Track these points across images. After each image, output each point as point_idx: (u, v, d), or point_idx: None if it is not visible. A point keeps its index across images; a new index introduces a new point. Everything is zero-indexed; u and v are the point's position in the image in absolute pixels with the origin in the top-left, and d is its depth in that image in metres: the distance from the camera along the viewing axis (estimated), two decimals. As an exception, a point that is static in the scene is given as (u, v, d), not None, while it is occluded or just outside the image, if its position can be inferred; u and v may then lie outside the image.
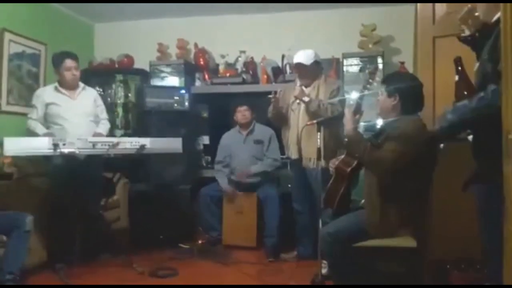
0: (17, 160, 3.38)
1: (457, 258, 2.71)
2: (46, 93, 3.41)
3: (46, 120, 3.36)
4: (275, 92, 3.38)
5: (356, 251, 2.15)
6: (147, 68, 4.77)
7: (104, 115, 3.66)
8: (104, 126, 3.58)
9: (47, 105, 3.35)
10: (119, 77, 4.70)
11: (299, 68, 3.38)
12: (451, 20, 2.85)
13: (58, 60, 3.42)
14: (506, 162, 1.48)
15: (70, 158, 3.05)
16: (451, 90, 2.74)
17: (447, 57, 2.86)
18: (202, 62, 4.72)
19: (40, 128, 3.31)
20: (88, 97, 3.54)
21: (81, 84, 3.52)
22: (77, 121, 3.36)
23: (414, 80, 2.38)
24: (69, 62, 3.38)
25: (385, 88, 2.31)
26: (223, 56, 4.68)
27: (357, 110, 2.28)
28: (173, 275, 3.17)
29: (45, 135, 3.21)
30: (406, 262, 2.28)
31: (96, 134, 3.39)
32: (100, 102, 3.66)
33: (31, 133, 3.33)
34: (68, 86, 3.42)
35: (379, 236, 2.20)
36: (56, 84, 3.44)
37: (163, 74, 4.78)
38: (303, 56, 3.34)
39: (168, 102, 4.40)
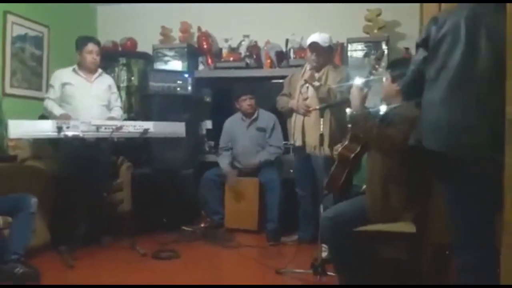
0: (21, 142, 3.43)
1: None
2: (64, 74, 3.50)
3: (61, 100, 3.44)
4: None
5: (355, 235, 2.17)
6: (150, 52, 4.77)
7: (118, 102, 3.74)
8: (118, 112, 3.65)
9: (63, 84, 3.44)
10: (122, 60, 4.70)
11: (313, 48, 3.33)
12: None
13: (81, 43, 3.53)
14: (509, 149, 1.49)
15: (75, 140, 3.09)
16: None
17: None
18: (205, 46, 4.71)
19: (56, 109, 3.37)
20: (104, 83, 3.63)
21: (99, 70, 3.62)
22: (90, 103, 3.44)
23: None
24: (91, 46, 3.51)
25: (390, 73, 2.31)
26: (226, 40, 4.66)
27: (365, 85, 2.26)
28: (176, 257, 3.22)
29: (61, 115, 3.27)
30: (405, 247, 2.31)
31: (110, 119, 3.45)
32: (115, 89, 3.74)
33: (47, 113, 3.41)
34: (87, 69, 3.52)
35: (380, 221, 2.21)
36: (75, 66, 3.53)
37: (166, 58, 4.77)
38: (320, 37, 3.29)
39: (171, 86, 4.41)
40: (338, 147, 2.49)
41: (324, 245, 2.69)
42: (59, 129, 2.98)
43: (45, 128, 3.00)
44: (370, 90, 2.29)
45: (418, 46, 1.90)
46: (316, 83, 3.22)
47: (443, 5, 2.85)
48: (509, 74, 1.50)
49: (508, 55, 1.51)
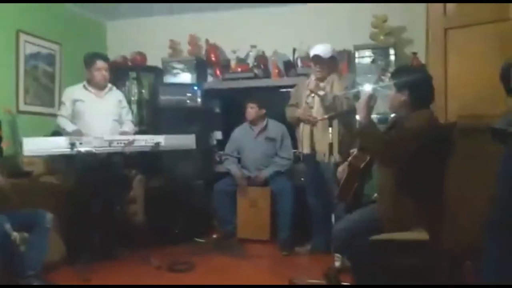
0: (35, 158, 3.48)
1: (471, 249, 2.72)
2: (74, 91, 3.56)
3: (73, 117, 3.50)
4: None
5: (368, 245, 2.16)
6: (159, 65, 4.82)
7: (129, 116, 3.78)
8: (130, 126, 3.70)
9: (74, 101, 3.50)
10: (132, 74, 4.77)
11: (316, 60, 3.39)
12: (464, 10, 2.84)
13: (89, 60, 3.57)
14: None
15: (88, 156, 3.13)
16: (464, 83, 2.75)
17: (460, 50, 2.86)
18: (213, 58, 4.76)
19: (69, 125, 3.43)
20: (114, 98, 3.68)
21: (109, 85, 3.66)
22: (101, 119, 3.49)
23: (422, 73, 2.37)
24: (100, 64, 3.55)
25: (394, 83, 2.31)
26: (234, 51, 4.70)
27: (371, 97, 2.25)
28: (190, 269, 3.23)
29: (73, 132, 3.33)
30: (419, 255, 2.30)
31: (122, 133, 3.50)
32: (125, 103, 3.79)
33: (61, 130, 3.47)
34: (96, 85, 3.57)
35: (393, 230, 2.20)
36: (85, 82, 3.58)
37: (175, 71, 4.82)
38: (321, 49, 3.35)
39: (181, 99, 4.47)
40: (347, 156, 2.50)
41: (337, 255, 2.69)
42: (72, 145, 3.03)
43: (58, 145, 3.06)
44: (377, 101, 2.29)
45: None
46: (321, 92, 3.24)
47: (448, 5, 2.86)
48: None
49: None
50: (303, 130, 3.43)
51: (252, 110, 4.08)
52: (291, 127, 3.75)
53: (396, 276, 2.25)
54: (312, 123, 3.32)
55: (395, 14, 4.28)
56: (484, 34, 2.69)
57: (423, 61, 3.91)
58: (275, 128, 4.10)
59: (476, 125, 2.62)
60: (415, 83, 2.27)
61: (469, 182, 2.70)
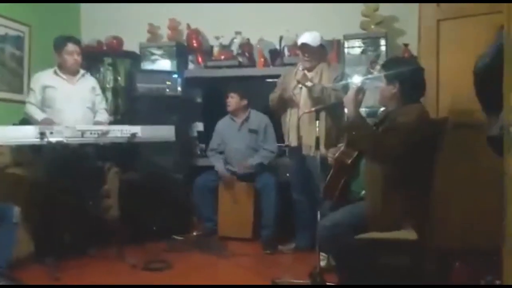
0: (1, 149, 3.42)
1: (459, 248, 2.79)
2: (44, 76, 3.49)
3: (43, 104, 3.44)
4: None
5: (355, 244, 2.19)
6: (137, 50, 4.77)
7: (103, 104, 3.75)
8: (104, 115, 3.66)
9: (44, 87, 3.44)
10: (108, 60, 4.70)
11: (304, 49, 3.39)
12: (457, 2, 2.89)
13: (59, 43, 3.51)
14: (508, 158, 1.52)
15: (59, 146, 3.09)
16: (457, 75, 2.80)
17: (452, 41, 2.91)
18: (195, 44, 4.72)
19: (38, 114, 3.38)
20: (87, 84, 3.63)
21: (82, 71, 3.61)
22: (74, 106, 3.45)
23: (413, 65, 2.40)
24: (71, 47, 3.49)
25: (384, 75, 2.33)
26: (217, 38, 4.67)
27: (360, 90, 2.27)
28: (167, 268, 3.22)
29: (43, 120, 3.28)
30: (407, 254, 2.34)
31: (96, 123, 3.46)
32: (99, 91, 3.75)
33: (29, 118, 3.41)
34: (68, 70, 3.52)
35: (380, 228, 2.24)
36: (56, 67, 3.52)
37: (154, 57, 4.77)
38: (310, 37, 3.36)
39: (159, 87, 4.42)
40: (335, 151, 2.51)
41: (322, 254, 2.71)
42: (42, 134, 2.99)
43: (27, 134, 3.00)
44: (366, 93, 2.31)
45: None
46: (309, 83, 3.26)
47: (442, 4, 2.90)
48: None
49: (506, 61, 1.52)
50: (290, 121, 3.44)
51: (232, 100, 4.07)
52: (275, 118, 3.74)
53: (383, 276, 2.29)
54: (295, 103, 3.32)
55: (387, 3, 4.31)
56: (478, 25, 2.75)
57: (415, 53, 3.95)
58: (257, 118, 4.10)
59: (468, 121, 2.68)
60: (406, 76, 2.30)
61: (460, 179, 2.77)
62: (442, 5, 2.90)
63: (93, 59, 4.60)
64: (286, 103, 3.48)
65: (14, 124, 3.50)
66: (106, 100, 4.12)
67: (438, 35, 2.93)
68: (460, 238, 2.80)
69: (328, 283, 2.61)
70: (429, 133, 2.25)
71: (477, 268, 2.63)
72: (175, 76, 4.53)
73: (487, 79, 1.92)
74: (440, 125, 2.39)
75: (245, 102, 4.09)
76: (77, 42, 3.60)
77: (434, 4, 2.92)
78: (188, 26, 4.78)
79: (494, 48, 1.86)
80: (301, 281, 2.82)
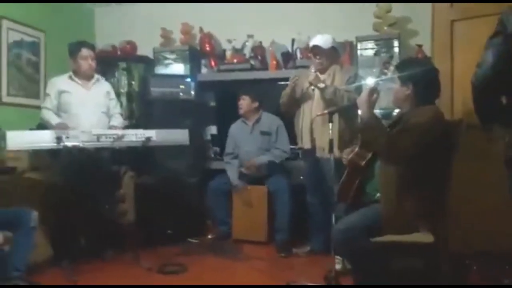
0: (19, 153, 3.48)
1: (477, 251, 2.76)
2: (60, 81, 3.54)
3: (59, 109, 3.49)
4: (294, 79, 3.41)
5: (370, 247, 2.18)
6: (150, 55, 4.82)
7: (117, 109, 3.78)
8: (119, 120, 3.69)
9: (60, 93, 3.48)
10: (122, 64, 4.77)
11: (315, 51, 3.40)
12: (470, 2, 2.86)
13: (74, 49, 3.55)
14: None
15: (75, 151, 3.13)
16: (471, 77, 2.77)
17: (466, 42, 2.88)
18: (208, 48, 4.75)
19: (54, 119, 3.42)
20: (102, 89, 3.67)
21: (96, 76, 3.66)
22: (89, 111, 3.49)
23: (428, 66, 2.38)
24: (85, 52, 3.53)
25: (398, 76, 2.32)
26: (230, 41, 4.69)
27: (374, 90, 2.25)
28: (182, 271, 3.24)
29: (57, 125, 3.31)
30: (423, 257, 2.32)
31: (112, 127, 3.50)
32: (113, 95, 3.78)
33: (45, 123, 3.46)
34: (83, 75, 3.56)
35: (396, 231, 2.22)
36: (71, 72, 3.57)
37: (167, 61, 4.82)
38: (321, 39, 3.36)
39: (173, 91, 4.46)
40: (349, 153, 2.50)
41: (337, 257, 2.70)
42: (59, 139, 3.04)
43: (44, 139, 3.06)
44: (380, 95, 2.30)
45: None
46: (321, 85, 3.25)
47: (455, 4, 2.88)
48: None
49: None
50: (303, 123, 3.44)
51: (243, 102, 4.08)
52: (289, 120, 3.74)
53: (398, 280, 2.27)
54: (307, 105, 3.34)
55: (400, 4, 4.29)
56: (492, 26, 2.71)
57: (428, 53, 3.93)
58: (269, 121, 4.10)
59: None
60: (421, 77, 2.28)
61: (476, 182, 2.73)
62: (456, 5, 2.87)
63: (107, 64, 4.66)
64: (297, 103, 3.48)
65: (30, 129, 3.56)
66: (121, 104, 4.17)
67: (452, 35, 2.91)
68: (477, 241, 2.77)
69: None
70: (443, 135, 2.23)
71: (495, 271, 2.60)
72: (189, 80, 4.57)
73: (487, 89, 1.86)
74: (455, 127, 2.37)
75: (256, 104, 4.10)
76: (91, 47, 3.65)
77: (447, 4, 2.89)
78: (201, 29, 4.81)
79: (491, 56, 1.81)
80: (316, 284, 2.82)
